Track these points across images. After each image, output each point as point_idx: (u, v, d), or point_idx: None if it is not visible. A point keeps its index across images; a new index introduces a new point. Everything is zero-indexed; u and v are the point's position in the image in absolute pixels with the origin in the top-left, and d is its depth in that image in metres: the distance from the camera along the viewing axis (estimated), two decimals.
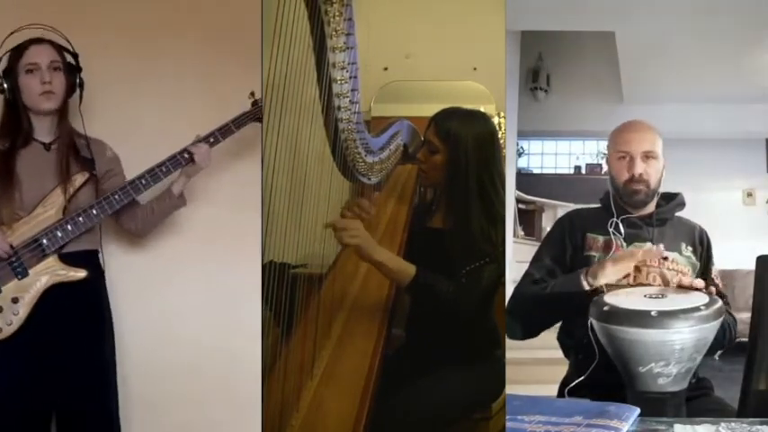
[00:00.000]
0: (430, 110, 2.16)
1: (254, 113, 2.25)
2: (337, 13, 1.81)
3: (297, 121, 1.89)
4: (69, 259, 2.09)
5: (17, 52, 2.09)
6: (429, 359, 2.00)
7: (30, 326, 2.03)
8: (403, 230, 2.30)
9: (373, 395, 1.73)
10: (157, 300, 2.31)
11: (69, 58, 2.16)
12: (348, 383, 1.76)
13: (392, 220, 2.41)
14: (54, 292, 2.06)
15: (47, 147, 2.14)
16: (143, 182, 2.14)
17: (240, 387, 2.38)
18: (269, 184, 1.85)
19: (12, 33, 2.08)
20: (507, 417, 1.34)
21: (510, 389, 1.85)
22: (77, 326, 2.13)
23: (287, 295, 1.84)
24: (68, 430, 2.15)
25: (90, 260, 2.16)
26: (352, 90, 1.97)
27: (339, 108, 1.98)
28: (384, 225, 2.37)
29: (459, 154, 2.03)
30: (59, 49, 2.13)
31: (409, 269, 1.93)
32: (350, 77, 1.93)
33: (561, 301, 1.86)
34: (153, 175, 2.15)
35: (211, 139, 2.20)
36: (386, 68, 3.26)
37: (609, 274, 1.78)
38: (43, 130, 2.14)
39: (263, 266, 1.95)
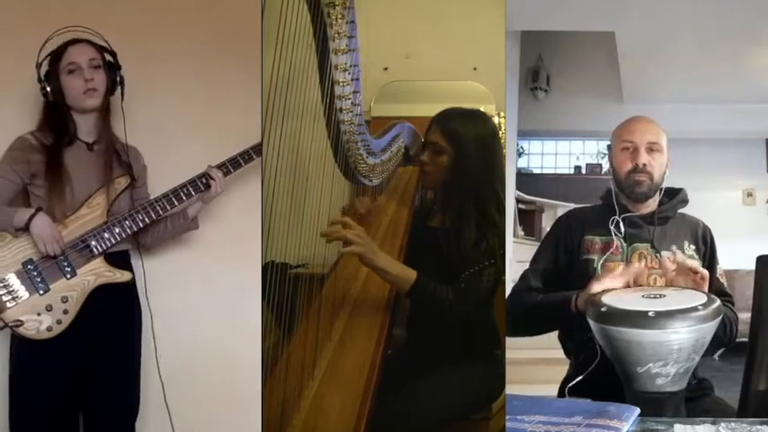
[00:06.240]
0: (430, 110, 2.17)
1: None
2: (340, 16, 1.82)
3: (298, 122, 1.89)
4: (110, 260, 2.11)
5: (56, 55, 2.10)
6: (429, 359, 2.01)
7: (75, 325, 2.05)
8: (404, 232, 2.30)
9: (374, 395, 1.73)
10: (158, 299, 2.31)
11: (108, 57, 2.17)
12: (349, 383, 1.77)
13: (393, 222, 2.41)
14: (98, 293, 2.08)
15: (89, 147, 2.16)
16: (184, 191, 2.18)
17: (241, 387, 2.39)
18: (270, 185, 1.85)
19: (49, 39, 2.09)
20: (507, 417, 1.35)
21: (510, 389, 1.86)
22: (117, 327, 2.17)
23: (288, 295, 1.85)
24: (94, 429, 2.17)
25: (125, 261, 2.19)
26: (354, 92, 1.98)
27: (341, 110, 1.99)
28: (385, 227, 2.37)
29: (466, 154, 2.04)
30: (97, 47, 2.14)
31: (410, 275, 1.93)
32: (352, 80, 1.94)
33: (553, 316, 1.88)
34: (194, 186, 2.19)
35: (224, 169, 2.22)
36: (386, 68, 3.27)
37: None
38: (85, 130, 2.16)
39: (263, 267, 1.96)
